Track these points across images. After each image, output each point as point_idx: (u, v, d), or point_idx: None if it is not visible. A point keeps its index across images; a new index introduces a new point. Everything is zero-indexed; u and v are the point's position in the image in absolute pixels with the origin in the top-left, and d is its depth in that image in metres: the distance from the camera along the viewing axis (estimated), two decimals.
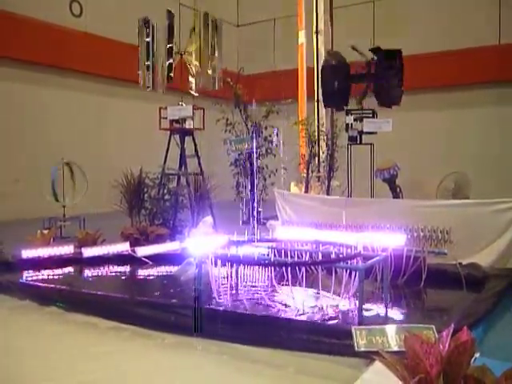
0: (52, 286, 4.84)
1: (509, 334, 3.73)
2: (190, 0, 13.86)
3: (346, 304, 4.05)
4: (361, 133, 8.37)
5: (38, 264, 5.60)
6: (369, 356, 2.90)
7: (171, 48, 8.27)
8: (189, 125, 8.43)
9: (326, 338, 3.31)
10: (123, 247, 6.11)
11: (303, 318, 3.79)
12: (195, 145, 8.72)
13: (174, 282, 5.00)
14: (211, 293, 4.19)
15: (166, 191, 8.23)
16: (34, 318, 4.23)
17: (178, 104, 8.46)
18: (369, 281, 4.51)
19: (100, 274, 5.62)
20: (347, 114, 8.46)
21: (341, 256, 4.04)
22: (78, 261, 5.87)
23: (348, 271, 4.09)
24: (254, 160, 6.92)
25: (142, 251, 5.97)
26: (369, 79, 8.30)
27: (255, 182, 7.70)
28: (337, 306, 4.05)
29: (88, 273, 5.63)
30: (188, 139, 8.70)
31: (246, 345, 3.44)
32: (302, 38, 10.02)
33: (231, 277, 4.56)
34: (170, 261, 5.82)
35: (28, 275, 5.32)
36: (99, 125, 13.64)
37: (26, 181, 11.18)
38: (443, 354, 2.17)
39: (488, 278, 4.74)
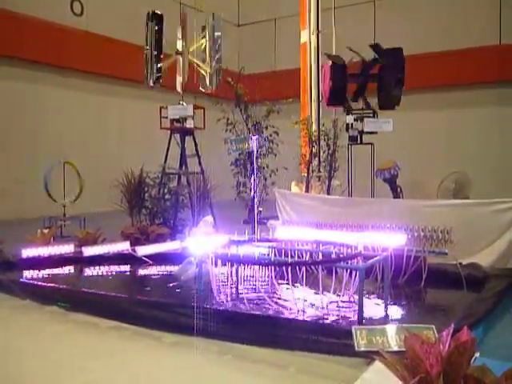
0: (52, 285, 4.83)
1: (509, 334, 3.73)
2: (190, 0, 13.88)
3: (347, 304, 4.05)
4: (361, 132, 8.38)
5: (38, 263, 5.60)
6: (369, 356, 2.91)
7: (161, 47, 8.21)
8: (189, 124, 8.43)
9: (326, 338, 3.31)
10: (123, 246, 6.11)
11: (303, 317, 3.80)
12: (196, 144, 8.72)
13: (175, 282, 5.00)
14: (211, 292, 4.19)
15: (166, 191, 8.24)
16: (35, 317, 4.23)
17: (179, 103, 8.46)
18: (369, 281, 4.52)
19: (100, 273, 5.62)
20: (347, 114, 8.47)
21: (341, 256, 4.04)
22: (78, 260, 5.87)
23: (348, 271, 4.09)
24: (254, 159, 6.92)
25: (143, 250, 5.97)
26: (368, 79, 8.32)
27: (255, 181, 7.70)
28: (337, 305, 4.05)
29: (88, 272, 5.63)
30: (188, 139, 8.71)
31: (246, 344, 3.44)
32: (304, 37, 9.97)
33: (231, 276, 4.56)
34: (170, 260, 5.82)
35: (28, 274, 5.33)
36: (100, 124, 13.64)
37: (26, 180, 11.18)
38: (443, 353, 2.17)
39: (488, 277, 4.74)
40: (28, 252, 5.63)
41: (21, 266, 5.50)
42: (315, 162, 8.86)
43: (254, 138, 5.79)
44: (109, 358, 3.35)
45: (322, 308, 3.99)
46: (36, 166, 11.08)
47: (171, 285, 4.81)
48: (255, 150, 5.76)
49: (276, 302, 4.21)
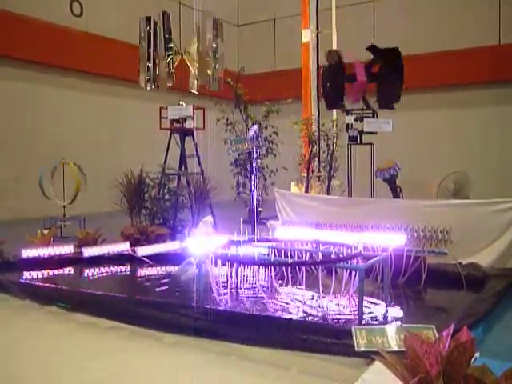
0: (52, 285, 4.84)
1: (509, 334, 3.73)
2: None
3: (346, 304, 4.06)
4: (361, 133, 8.38)
5: (38, 264, 5.60)
6: (369, 356, 2.91)
7: (170, 48, 8.24)
8: (189, 124, 8.43)
9: (326, 338, 3.31)
10: (123, 247, 6.11)
11: (303, 317, 3.80)
12: (195, 144, 8.72)
13: (174, 282, 5.00)
14: (211, 292, 4.19)
15: (166, 191, 8.23)
16: (35, 317, 4.23)
17: (179, 104, 8.46)
18: (369, 281, 4.52)
19: (100, 273, 5.62)
20: (347, 114, 8.47)
21: (341, 256, 4.04)
22: (78, 260, 5.87)
23: (348, 271, 4.09)
24: (254, 159, 6.92)
25: (142, 251, 5.97)
26: (368, 79, 8.31)
27: (255, 181, 7.70)
28: (337, 305, 4.05)
29: (88, 272, 5.63)
30: (188, 139, 8.71)
31: (246, 344, 3.44)
32: (307, 36, 9.92)
33: (231, 277, 4.56)
34: (170, 261, 5.83)
35: (28, 275, 5.33)
36: (99, 124, 13.64)
37: (26, 180, 11.18)
38: (443, 353, 2.17)
39: (488, 277, 4.74)
40: (28, 252, 5.63)
41: (21, 266, 5.50)
42: (315, 162, 8.87)
43: (254, 128, 5.77)
44: (108, 358, 3.35)
45: (322, 308, 3.99)
46: (36, 167, 11.08)
47: (158, 289, 4.82)
48: (255, 138, 5.73)
49: (276, 302, 4.21)
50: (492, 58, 13.86)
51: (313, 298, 4.26)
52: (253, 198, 6.43)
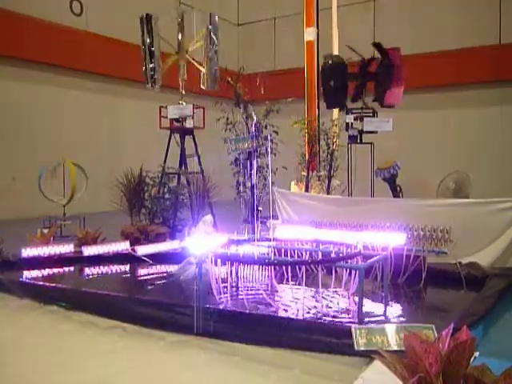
0: (52, 284, 4.84)
1: (508, 333, 3.73)
2: None
3: (346, 303, 4.06)
4: (361, 132, 8.37)
5: (38, 263, 5.60)
6: (368, 355, 2.91)
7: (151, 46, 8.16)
8: (189, 124, 8.43)
9: (326, 337, 3.31)
10: (123, 246, 6.11)
11: (303, 317, 3.80)
12: (195, 144, 8.72)
13: (174, 281, 5.00)
14: (211, 292, 4.19)
15: (166, 190, 8.23)
16: (34, 316, 4.23)
17: (179, 103, 8.46)
18: (369, 280, 4.52)
19: (100, 272, 5.63)
20: (347, 113, 8.47)
21: (341, 255, 4.04)
22: (78, 260, 5.87)
23: (348, 270, 4.09)
24: (254, 159, 6.92)
25: (142, 250, 5.97)
26: (368, 78, 8.31)
27: (255, 180, 7.69)
28: (337, 305, 4.05)
29: (88, 272, 5.63)
30: (188, 138, 8.70)
31: (246, 344, 3.44)
32: (310, 35, 9.86)
33: (231, 276, 4.56)
34: (170, 260, 5.83)
35: (28, 274, 5.33)
36: (99, 123, 13.63)
37: (25, 180, 11.17)
38: (443, 353, 2.17)
39: (488, 277, 4.74)
40: (28, 251, 5.63)
41: (20, 265, 5.50)
42: (316, 161, 8.85)
43: (254, 120, 5.76)
44: (109, 357, 3.35)
45: (322, 307, 3.99)
46: (36, 166, 11.08)
47: (150, 287, 4.83)
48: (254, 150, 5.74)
49: (275, 302, 4.21)
50: (492, 57, 13.86)
51: (313, 298, 4.25)
52: (253, 197, 6.44)
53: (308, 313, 3.88)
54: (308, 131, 8.84)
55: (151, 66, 8.15)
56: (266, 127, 8.78)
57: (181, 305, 3.96)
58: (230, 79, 8.74)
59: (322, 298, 4.12)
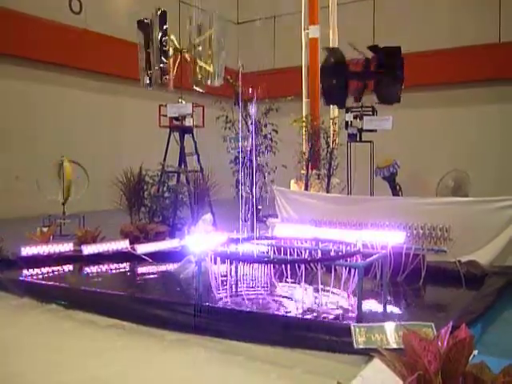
0: (52, 283, 4.84)
1: (507, 331, 3.74)
2: None
3: (346, 301, 4.06)
4: (360, 130, 8.37)
5: (37, 261, 5.60)
6: (368, 353, 2.91)
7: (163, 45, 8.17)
8: (188, 122, 8.42)
9: (325, 336, 3.31)
10: (123, 245, 6.11)
11: (302, 315, 3.80)
12: (195, 142, 8.72)
13: (174, 280, 5.00)
14: (211, 290, 4.19)
15: (165, 189, 8.23)
16: (34, 315, 4.23)
17: (178, 101, 8.45)
18: (368, 278, 4.52)
19: (100, 271, 5.63)
20: (347, 112, 8.47)
21: (340, 254, 4.04)
22: (77, 258, 5.88)
23: (347, 269, 4.09)
24: (254, 157, 6.93)
25: (142, 249, 5.98)
26: (368, 77, 8.31)
27: (255, 179, 7.70)
28: (336, 303, 4.05)
29: (88, 270, 5.63)
30: (188, 137, 8.70)
31: (245, 342, 3.44)
32: (314, 32, 9.83)
33: (231, 274, 4.56)
34: (169, 258, 5.83)
35: (27, 273, 5.33)
36: (99, 122, 13.62)
37: (25, 178, 11.17)
38: (442, 351, 2.17)
39: (487, 275, 4.75)
40: (27, 250, 5.63)
41: (20, 264, 5.50)
42: (315, 160, 8.86)
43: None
44: (108, 356, 3.36)
45: (321, 305, 3.99)
46: (36, 164, 11.09)
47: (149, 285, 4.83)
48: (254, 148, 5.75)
49: (275, 300, 4.21)
50: (492, 56, 13.85)
51: (312, 296, 4.26)
52: (253, 195, 6.44)
53: (307, 311, 3.88)
54: (308, 129, 8.84)
55: (162, 65, 8.13)
56: (265, 126, 8.79)
57: (181, 303, 3.97)
58: (229, 77, 8.75)
59: (322, 296, 4.13)
